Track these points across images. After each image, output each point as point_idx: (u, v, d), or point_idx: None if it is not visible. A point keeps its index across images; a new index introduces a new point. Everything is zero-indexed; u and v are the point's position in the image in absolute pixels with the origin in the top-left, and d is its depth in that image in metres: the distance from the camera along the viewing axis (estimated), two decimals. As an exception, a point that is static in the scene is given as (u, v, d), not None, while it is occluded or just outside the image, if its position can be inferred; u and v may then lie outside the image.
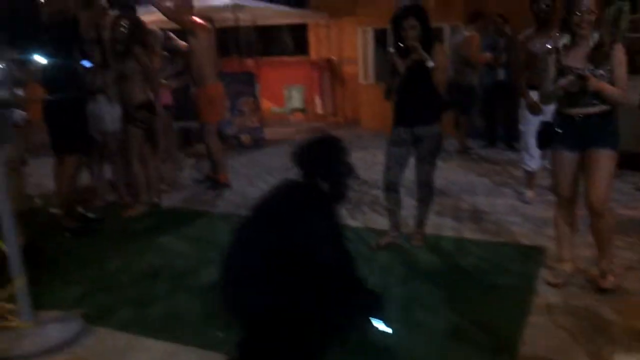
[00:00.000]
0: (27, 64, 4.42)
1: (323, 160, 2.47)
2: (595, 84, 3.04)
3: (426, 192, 4.17)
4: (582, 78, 3.05)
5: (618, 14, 6.86)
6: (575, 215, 3.45)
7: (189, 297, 3.44)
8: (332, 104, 11.29)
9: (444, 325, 2.99)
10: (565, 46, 3.20)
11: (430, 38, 3.90)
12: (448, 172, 6.42)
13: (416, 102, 3.95)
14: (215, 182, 5.95)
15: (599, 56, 3.10)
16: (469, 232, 4.48)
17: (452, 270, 3.77)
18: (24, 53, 4.39)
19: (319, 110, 11.22)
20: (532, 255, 3.89)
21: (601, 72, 3.08)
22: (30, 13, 4.68)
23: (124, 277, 3.78)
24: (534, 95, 4.79)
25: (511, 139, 7.29)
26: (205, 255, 4.11)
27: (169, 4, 5.72)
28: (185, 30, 5.69)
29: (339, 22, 10.89)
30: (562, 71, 3.16)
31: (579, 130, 3.18)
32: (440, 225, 4.65)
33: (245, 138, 8.51)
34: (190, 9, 5.76)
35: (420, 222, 4.27)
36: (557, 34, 3.30)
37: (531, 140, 4.87)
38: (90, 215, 4.99)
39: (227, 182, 6.02)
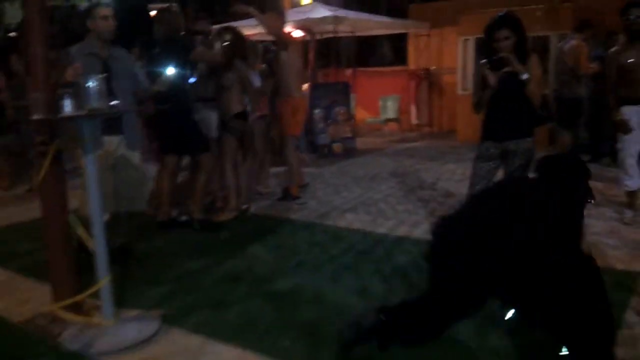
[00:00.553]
0: (159, 76, 4.77)
1: (568, 176, 2.62)
2: None
3: None
4: None
5: None
6: None
7: (263, 304, 3.51)
8: (428, 114, 11.12)
9: (520, 353, 2.83)
10: None
11: (525, 49, 3.73)
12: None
13: (508, 116, 3.79)
14: (287, 194, 6.00)
15: None
16: (561, 254, 4.21)
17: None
18: (151, 66, 4.80)
19: (414, 120, 11.09)
20: (626, 282, 3.58)
21: None
22: (150, 31, 5.10)
23: (206, 280, 3.92)
24: (629, 111, 4.53)
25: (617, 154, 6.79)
26: (284, 263, 4.20)
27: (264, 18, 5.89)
28: (279, 43, 5.83)
29: (440, 32, 10.72)
30: None
31: None
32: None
33: (337, 147, 8.59)
34: (284, 23, 5.91)
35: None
36: None
37: (629, 159, 4.59)
38: (183, 218, 5.23)
39: (298, 195, 6.00)
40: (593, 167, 7.00)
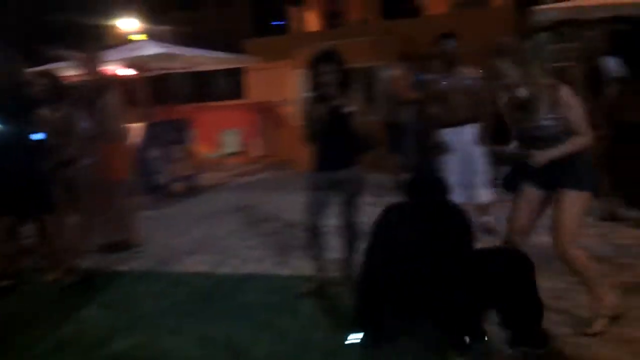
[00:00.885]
0: None
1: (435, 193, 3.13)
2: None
3: (352, 234, 4.10)
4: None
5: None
6: None
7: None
8: (270, 145, 11.24)
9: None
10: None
11: (347, 81, 3.86)
12: (379, 211, 6.36)
13: (337, 147, 3.91)
14: (121, 242, 5.58)
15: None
16: (400, 273, 4.37)
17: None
18: None
19: (256, 152, 11.13)
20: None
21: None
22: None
23: (27, 356, 3.44)
24: (448, 133, 4.89)
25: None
26: (121, 320, 3.85)
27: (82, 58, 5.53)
28: (100, 84, 5.48)
29: (276, 65, 10.92)
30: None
31: (544, 171, 3.15)
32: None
33: (177, 187, 8.27)
34: (101, 63, 5.60)
35: (348, 265, 4.16)
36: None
37: (451, 177, 4.97)
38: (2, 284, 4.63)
39: (138, 241, 5.62)
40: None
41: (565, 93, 3.04)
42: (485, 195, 5.09)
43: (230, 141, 11.07)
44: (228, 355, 3.24)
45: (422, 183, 3.24)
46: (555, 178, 3.13)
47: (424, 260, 2.86)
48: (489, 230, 4.94)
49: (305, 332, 3.47)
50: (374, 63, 9.16)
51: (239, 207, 7.12)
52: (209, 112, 11.34)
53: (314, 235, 4.04)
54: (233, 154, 10.95)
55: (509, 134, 3.29)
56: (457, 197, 5.03)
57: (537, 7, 6.64)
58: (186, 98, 11.86)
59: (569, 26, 6.48)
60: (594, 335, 3.12)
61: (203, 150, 10.73)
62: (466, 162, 4.98)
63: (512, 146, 3.30)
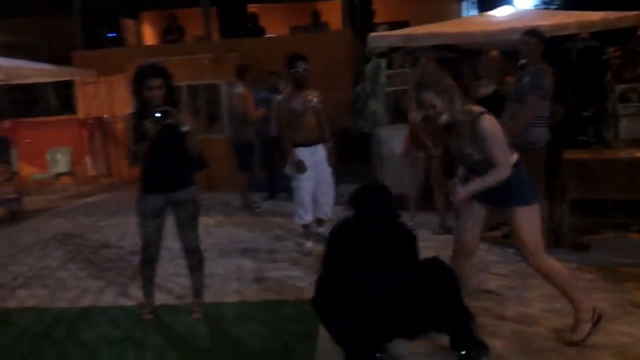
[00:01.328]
0: None
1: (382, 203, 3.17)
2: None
3: (197, 258, 3.97)
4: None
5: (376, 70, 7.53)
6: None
7: None
8: (106, 164, 10.57)
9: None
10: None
11: (174, 99, 3.73)
12: (232, 230, 6.30)
13: (172, 167, 3.72)
14: None
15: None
16: (252, 294, 4.32)
17: (233, 342, 3.54)
18: None
19: (90, 172, 10.40)
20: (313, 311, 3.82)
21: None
22: None
23: None
24: (302, 153, 4.98)
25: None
26: None
27: None
28: None
29: (108, 79, 10.34)
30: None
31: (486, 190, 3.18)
32: (222, 290, 4.42)
33: (-2, 212, 7.42)
34: None
35: (197, 291, 4.02)
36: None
37: (305, 196, 5.06)
38: None
39: None
40: (272, 204, 7.65)
41: (483, 125, 3.04)
42: (330, 211, 5.31)
43: (60, 160, 10.18)
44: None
45: (365, 195, 3.21)
46: (496, 196, 3.16)
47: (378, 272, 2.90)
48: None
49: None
50: (216, 80, 9.09)
51: (74, 234, 6.56)
52: (34, 128, 10.39)
53: (148, 261, 3.89)
54: (63, 174, 10.08)
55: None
56: (309, 215, 5.18)
57: (373, 34, 7.04)
58: (7, 113, 10.71)
59: (402, 53, 6.96)
60: (581, 341, 3.16)
61: (27, 170, 9.77)
62: (318, 181, 5.12)
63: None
